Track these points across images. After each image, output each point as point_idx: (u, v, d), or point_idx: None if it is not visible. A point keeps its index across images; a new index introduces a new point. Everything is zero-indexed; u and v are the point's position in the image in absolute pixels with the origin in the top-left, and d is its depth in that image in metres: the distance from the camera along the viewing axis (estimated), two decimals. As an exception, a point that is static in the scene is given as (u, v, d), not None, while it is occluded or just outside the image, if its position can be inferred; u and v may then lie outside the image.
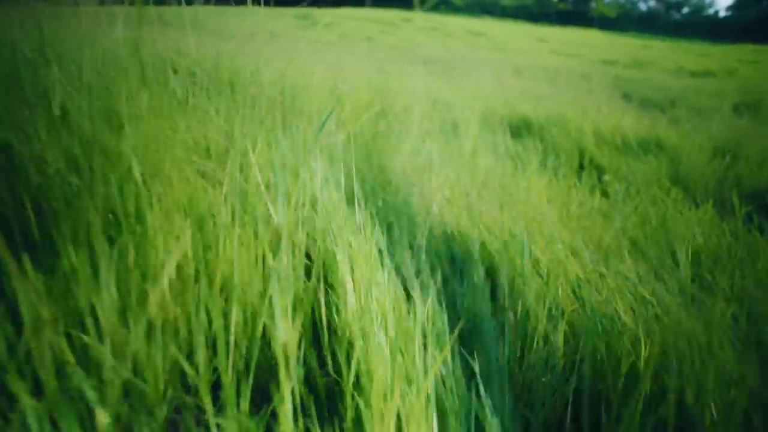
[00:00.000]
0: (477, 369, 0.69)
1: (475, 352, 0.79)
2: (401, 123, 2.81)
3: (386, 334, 0.65)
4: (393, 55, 11.71)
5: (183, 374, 0.71)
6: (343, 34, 23.09)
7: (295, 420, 0.56)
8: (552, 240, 1.19)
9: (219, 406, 0.58)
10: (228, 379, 0.53)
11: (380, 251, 0.89)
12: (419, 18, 31.60)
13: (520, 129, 3.37)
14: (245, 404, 0.53)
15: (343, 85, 3.99)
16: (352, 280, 0.76)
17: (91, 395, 0.49)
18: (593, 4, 37.95)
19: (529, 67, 8.90)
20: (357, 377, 0.64)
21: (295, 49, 7.58)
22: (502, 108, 3.81)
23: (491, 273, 1.15)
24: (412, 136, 2.34)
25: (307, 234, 0.92)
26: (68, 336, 0.60)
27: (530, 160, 2.37)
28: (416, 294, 0.72)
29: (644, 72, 12.46)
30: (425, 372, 0.62)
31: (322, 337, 0.81)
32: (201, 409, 0.70)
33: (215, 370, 0.68)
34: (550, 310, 0.96)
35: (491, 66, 8.89)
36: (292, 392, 0.52)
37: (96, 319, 0.58)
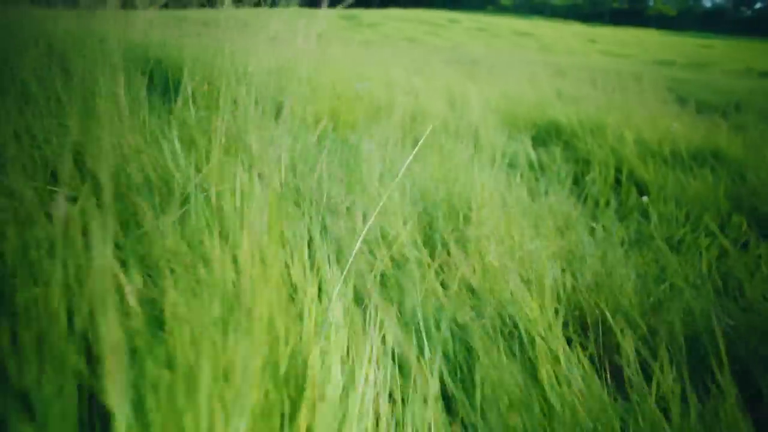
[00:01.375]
0: None
1: None
2: (410, 127, 2.45)
3: None
4: (432, 56, 11.30)
5: None
6: (387, 34, 22.86)
7: None
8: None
9: None
10: None
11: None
12: (466, 19, 30.88)
13: (547, 135, 2.91)
14: None
15: (361, 84, 3.68)
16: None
17: None
18: (651, 2, 35.66)
19: (574, 68, 8.24)
20: None
21: (328, 49, 7.35)
22: (531, 111, 3.35)
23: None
24: (410, 144, 1.98)
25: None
26: None
27: (548, 176, 1.95)
28: None
29: (705, 73, 11.37)
30: None
31: None
32: None
33: None
34: None
35: (532, 66, 8.31)
36: None
37: None
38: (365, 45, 15.14)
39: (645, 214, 1.84)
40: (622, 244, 1.51)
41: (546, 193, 1.77)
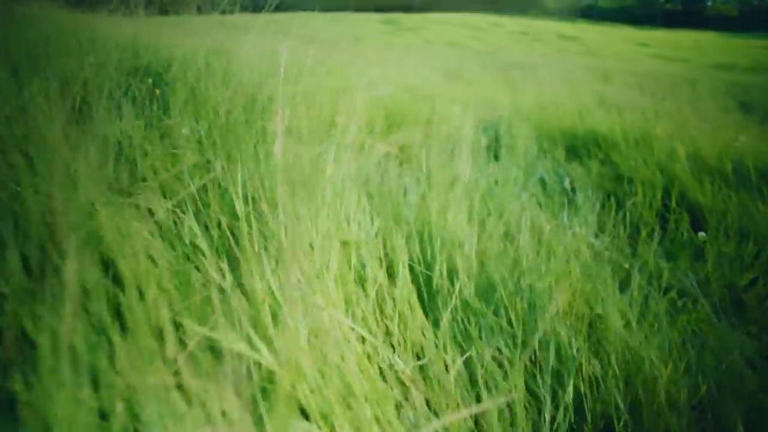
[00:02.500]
0: None
1: None
2: (426, 139, 2.17)
3: None
4: (471, 60, 10.91)
5: None
6: (427, 38, 22.53)
7: None
8: None
9: None
10: None
11: None
12: (509, 22, 30.05)
13: (583, 147, 2.54)
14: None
15: (385, 88, 3.43)
16: None
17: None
18: (709, 2, 33.31)
19: (621, 73, 7.64)
20: None
21: (360, 53, 7.19)
22: (567, 119, 2.98)
23: None
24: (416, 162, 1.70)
25: None
26: None
27: (577, 201, 1.61)
28: None
29: (770, 78, 10.33)
30: None
31: None
32: None
33: None
34: None
35: (575, 71, 7.78)
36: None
37: None
38: (404, 49, 14.96)
39: (700, 251, 1.48)
40: (664, 292, 1.17)
41: (570, 222, 1.44)
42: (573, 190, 1.98)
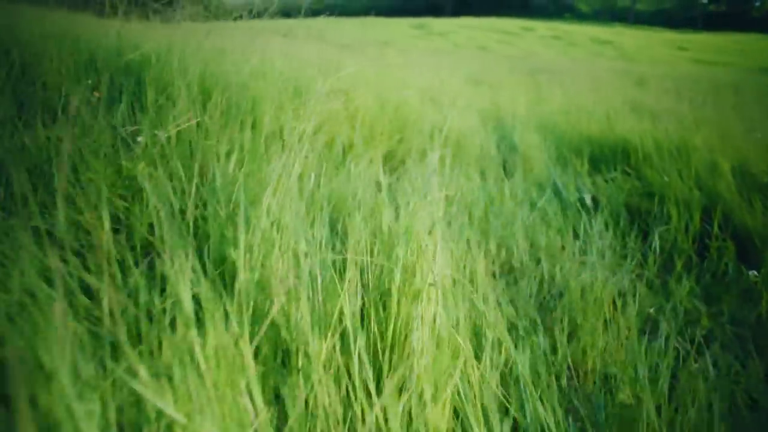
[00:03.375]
0: None
1: None
2: (423, 147, 1.95)
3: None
4: (500, 64, 10.58)
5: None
6: (457, 43, 22.21)
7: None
8: None
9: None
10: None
11: None
12: (541, 27, 29.33)
13: (611, 158, 2.26)
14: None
15: (403, 92, 3.24)
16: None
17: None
18: (757, 2, 31.41)
19: (657, 78, 7.17)
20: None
21: (384, 56, 7.00)
22: (595, 126, 2.69)
23: None
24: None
25: None
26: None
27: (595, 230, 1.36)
28: None
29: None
30: None
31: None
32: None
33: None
34: None
35: (607, 75, 7.37)
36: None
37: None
38: (431, 53, 14.74)
39: (750, 291, 1.20)
40: (702, 345, 0.91)
41: (587, 245, 1.20)
42: (596, 207, 1.72)
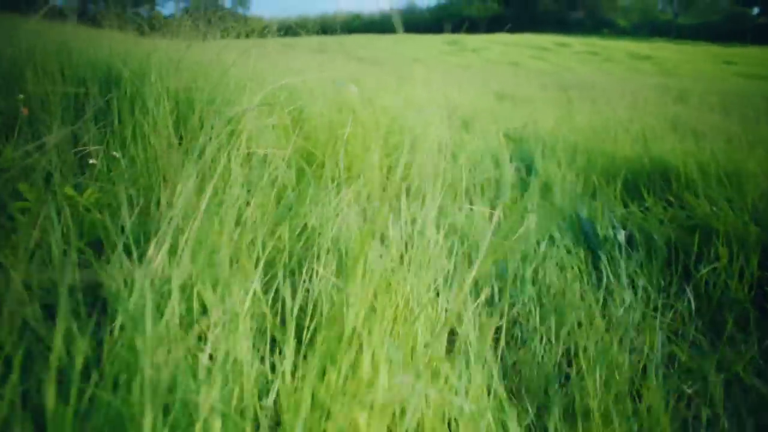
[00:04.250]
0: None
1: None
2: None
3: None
4: (530, 80, 10.26)
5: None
6: (489, 58, 21.93)
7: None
8: None
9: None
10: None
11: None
12: (577, 43, 28.67)
13: (648, 183, 1.98)
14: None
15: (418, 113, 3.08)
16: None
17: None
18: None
19: (700, 93, 6.69)
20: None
21: (410, 73, 6.89)
22: (629, 146, 2.41)
23: None
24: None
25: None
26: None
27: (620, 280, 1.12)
28: None
29: None
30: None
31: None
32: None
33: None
34: None
35: (646, 91, 6.94)
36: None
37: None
38: (461, 69, 14.58)
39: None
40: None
41: (608, 293, 0.96)
42: (629, 242, 1.46)
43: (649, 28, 34.78)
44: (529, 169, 1.85)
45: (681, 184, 1.94)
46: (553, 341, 0.85)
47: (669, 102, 5.80)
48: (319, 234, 0.86)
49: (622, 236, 1.39)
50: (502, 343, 0.84)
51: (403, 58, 14.60)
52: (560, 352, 0.87)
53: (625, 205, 1.83)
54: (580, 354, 0.78)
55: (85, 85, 1.39)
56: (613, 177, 2.05)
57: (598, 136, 2.68)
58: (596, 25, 39.83)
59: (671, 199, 1.81)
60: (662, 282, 1.22)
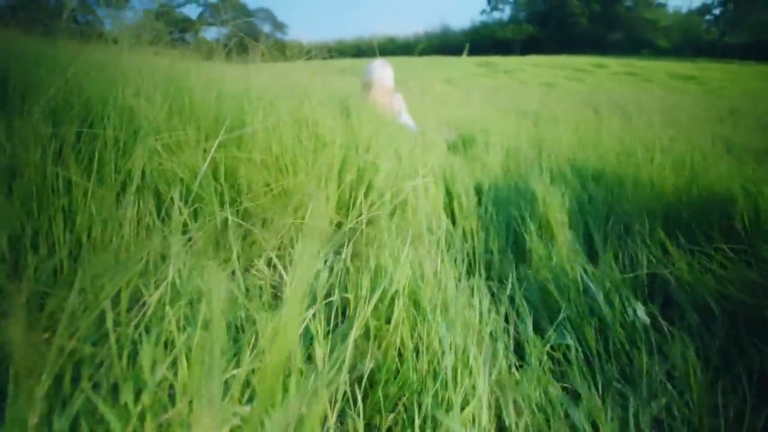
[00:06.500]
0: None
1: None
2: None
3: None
4: (561, 100, 9.60)
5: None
6: (522, 80, 21.21)
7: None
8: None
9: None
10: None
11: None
12: (614, 63, 27.48)
13: (702, 222, 1.43)
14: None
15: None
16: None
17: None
18: None
19: (750, 113, 5.89)
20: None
21: (436, 95, 6.46)
22: (669, 173, 1.85)
23: None
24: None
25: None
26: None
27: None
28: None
29: None
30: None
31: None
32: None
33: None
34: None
35: (689, 110, 6.20)
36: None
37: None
38: (491, 90, 14.09)
39: None
40: None
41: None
42: (665, 310, 0.94)
43: (692, 48, 32.91)
44: (530, 200, 1.34)
45: (745, 224, 1.38)
46: None
47: (715, 122, 5.06)
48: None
49: (642, 314, 0.86)
50: None
51: (435, 79, 14.23)
52: None
53: (665, 251, 1.30)
54: None
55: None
56: (647, 212, 1.51)
57: (630, 159, 2.13)
58: (635, 45, 38.19)
59: (734, 244, 1.25)
60: (715, 400, 0.69)
